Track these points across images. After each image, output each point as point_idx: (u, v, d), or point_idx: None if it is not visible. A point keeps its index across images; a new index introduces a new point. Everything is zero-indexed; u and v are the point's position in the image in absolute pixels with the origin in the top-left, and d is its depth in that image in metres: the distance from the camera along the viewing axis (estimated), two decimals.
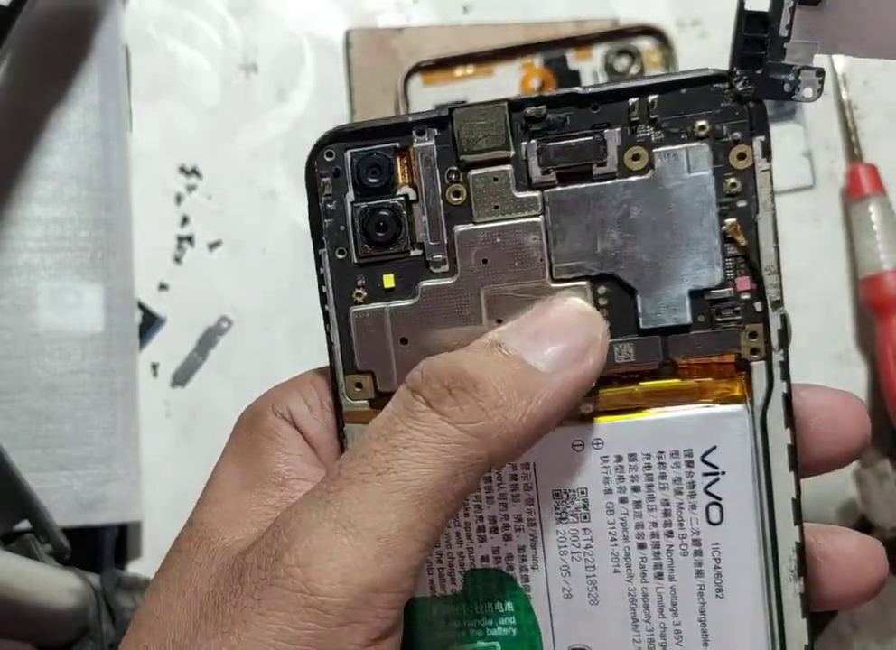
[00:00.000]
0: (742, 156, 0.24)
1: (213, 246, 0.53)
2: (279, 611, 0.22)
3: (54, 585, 0.41)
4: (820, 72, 0.24)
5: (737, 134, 0.24)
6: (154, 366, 0.52)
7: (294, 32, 0.54)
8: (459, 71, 0.52)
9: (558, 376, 0.24)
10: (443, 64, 0.52)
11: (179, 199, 0.53)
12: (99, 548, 0.49)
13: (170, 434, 0.52)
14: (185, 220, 0.53)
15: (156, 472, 0.51)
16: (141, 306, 0.52)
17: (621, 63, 0.52)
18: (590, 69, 0.52)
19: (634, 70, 0.52)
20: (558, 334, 0.24)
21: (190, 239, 0.53)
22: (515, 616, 0.26)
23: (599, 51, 0.52)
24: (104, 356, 0.50)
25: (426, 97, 0.52)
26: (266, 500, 0.25)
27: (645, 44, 0.52)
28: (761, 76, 0.24)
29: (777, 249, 0.24)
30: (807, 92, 0.24)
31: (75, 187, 0.50)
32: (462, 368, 0.23)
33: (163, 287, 0.53)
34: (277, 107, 0.54)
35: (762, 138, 0.24)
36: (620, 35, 0.52)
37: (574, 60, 0.52)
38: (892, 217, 0.51)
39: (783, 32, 0.24)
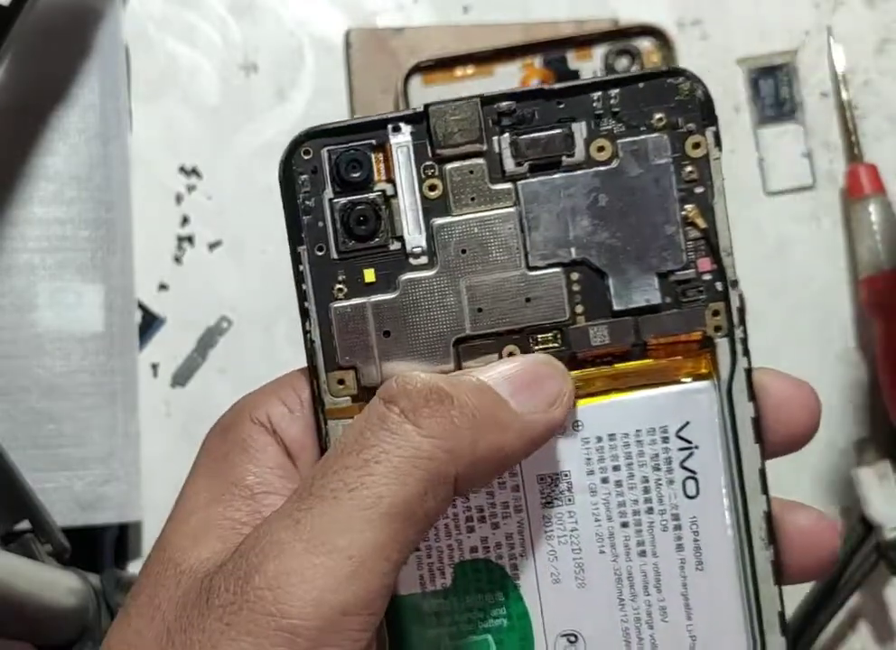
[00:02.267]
0: (696, 145, 0.26)
1: (213, 246, 0.53)
2: (249, 636, 0.21)
3: (54, 585, 0.41)
4: None
5: (691, 125, 0.26)
6: (154, 366, 0.52)
7: (294, 32, 0.54)
8: (459, 71, 0.52)
9: (528, 418, 0.24)
10: (443, 64, 0.52)
11: (179, 199, 0.53)
12: (99, 548, 0.49)
13: (170, 434, 0.52)
14: (185, 220, 0.53)
15: (156, 472, 0.51)
16: (141, 306, 0.52)
17: (622, 63, 0.52)
18: (590, 69, 0.52)
19: (634, 70, 0.52)
20: (531, 381, 0.25)
21: (190, 239, 0.53)
22: (505, 606, 0.26)
23: (599, 51, 0.52)
24: (104, 356, 0.50)
25: (427, 97, 0.51)
26: (233, 514, 0.25)
27: (645, 44, 0.52)
28: None
29: (729, 232, 0.26)
30: None
31: (75, 187, 0.50)
32: (439, 384, 0.24)
33: (163, 287, 0.53)
34: (277, 107, 0.54)
35: (713, 129, 0.26)
36: (620, 35, 0.52)
37: (574, 60, 0.52)
38: (892, 217, 0.51)
39: None
